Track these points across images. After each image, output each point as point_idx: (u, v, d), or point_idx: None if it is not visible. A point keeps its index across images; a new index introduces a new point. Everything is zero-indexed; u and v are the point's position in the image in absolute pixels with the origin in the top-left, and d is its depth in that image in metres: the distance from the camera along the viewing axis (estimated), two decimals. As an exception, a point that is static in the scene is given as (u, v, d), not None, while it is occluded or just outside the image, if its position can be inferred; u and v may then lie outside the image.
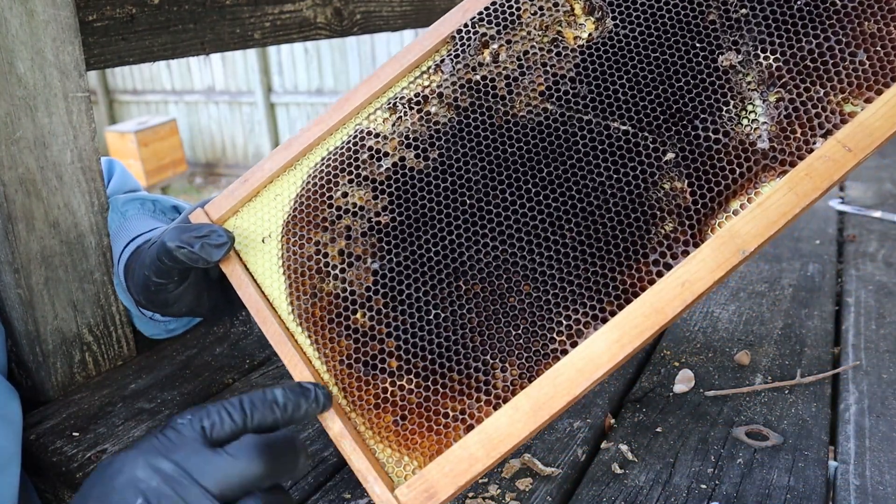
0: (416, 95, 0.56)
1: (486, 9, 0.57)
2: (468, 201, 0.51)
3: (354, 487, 0.56)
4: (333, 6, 1.11)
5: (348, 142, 0.57)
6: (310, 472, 0.58)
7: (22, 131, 0.63)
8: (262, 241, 0.56)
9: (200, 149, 7.55)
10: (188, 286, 0.60)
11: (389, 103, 0.57)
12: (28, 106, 0.63)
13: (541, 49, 0.55)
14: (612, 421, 0.63)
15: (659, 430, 0.62)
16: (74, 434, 0.64)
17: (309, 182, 0.57)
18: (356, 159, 0.55)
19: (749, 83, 0.51)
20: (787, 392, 0.67)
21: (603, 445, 0.60)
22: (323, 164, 0.57)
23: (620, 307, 0.48)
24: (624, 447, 0.59)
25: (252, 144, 7.19)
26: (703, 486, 0.54)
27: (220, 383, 0.72)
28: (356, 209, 0.54)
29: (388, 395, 0.50)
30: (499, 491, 0.55)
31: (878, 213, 1.20)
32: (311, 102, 6.66)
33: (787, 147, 0.49)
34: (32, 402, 0.70)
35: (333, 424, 0.49)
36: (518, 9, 0.56)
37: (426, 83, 0.57)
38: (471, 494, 0.54)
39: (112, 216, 0.74)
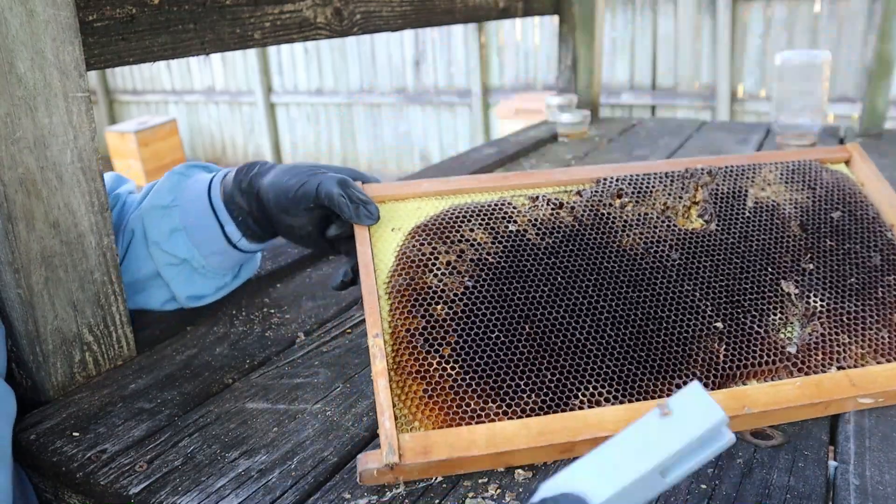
0: (556, 200, 0.72)
1: (633, 176, 0.74)
2: (559, 280, 0.65)
3: (354, 487, 0.56)
4: (333, 6, 1.11)
5: (491, 202, 0.71)
6: (309, 472, 0.58)
7: (22, 131, 0.63)
8: (392, 230, 0.69)
9: (200, 149, 7.54)
10: (312, 218, 0.72)
11: (533, 195, 0.73)
12: (28, 106, 0.63)
13: (657, 217, 0.71)
14: (612, 421, 0.63)
15: (659, 430, 0.62)
16: (74, 434, 0.64)
17: (449, 211, 0.70)
18: (491, 215, 0.70)
19: (796, 311, 0.66)
20: (787, 392, 0.67)
21: (603, 445, 0.60)
22: (465, 206, 0.71)
23: (639, 400, 0.59)
24: (624, 447, 0.59)
25: (252, 144, 7.19)
26: (703, 486, 0.54)
27: (220, 383, 0.72)
28: (475, 242, 0.67)
29: (430, 369, 0.58)
30: (499, 491, 0.55)
31: (878, 213, 1.20)
32: (311, 102, 6.66)
33: (807, 361, 0.63)
34: (32, 402, 0.70)
35: (379, 363, 0.58)
36: (653, 187, 0.74)
37: (566, 198, 0.73)
38: (471, 495, 0.54)
39: (174, 178, 0.81)
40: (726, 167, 0.76)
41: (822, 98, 1.73)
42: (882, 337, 0.66)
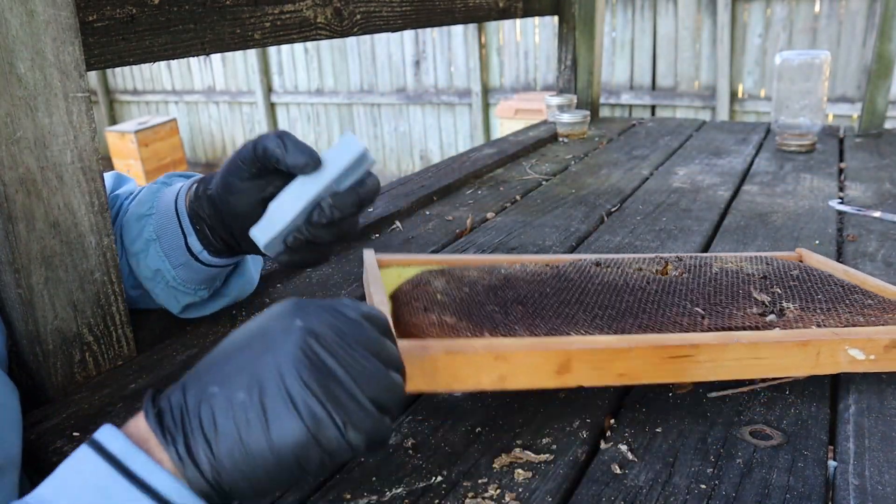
0: (542, 264, 0.84)
1: (609, 257, 0.86)
2: (547, 290, 0.74)
3: (354, 487, 0.56)
4: (333, 6, 1.11)
5: (485, 265, 0.83)
6: (310, 472, 0.58)
7: (22, 131, 0.63)
8: (399, 276, 0.80)
9: (200, 149, 7.54)
10: (256, 188, 0.69)
11: (522, 263, 0.85)
12: (28, 106, 0.63)
13: (633, 272, 0.82)
14: (612, 421, 0.63)
15: (659, 430, 0.62)
16: (74, 434, 0.64)
17: (450, 267, 0.81)
18: (485, 267, 0.81)
19: (773, 311, 0.72)
20: (786, 392, 0.67)
21: (603, 445, 0.60)
22: (464, 266, 0.83)
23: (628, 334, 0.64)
24: (624, 447, 0.59)
25: (252, 144, 7.17)
26: (703, 486, 0.54)
27: (220, 383, 0.72)
28: (472, 276, 0.78)
29: (427, 321, 0.64)
30: (499, 491, 0.55)
31: (877, 213, 1.20)
32: (311, 102, 6.66)
33: (789, 324, 0.69)
34: (32, 402, 0.70)
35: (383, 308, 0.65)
36: (627, 262, 0.85)
37: (554, 264, 0.84)
38: (471, 495, 0.54)
39: (153, 186, 0.80)
40: (691, 255, 0.89)
41: (822, 98, 1.73)
42: (858, 319, 0.70)
